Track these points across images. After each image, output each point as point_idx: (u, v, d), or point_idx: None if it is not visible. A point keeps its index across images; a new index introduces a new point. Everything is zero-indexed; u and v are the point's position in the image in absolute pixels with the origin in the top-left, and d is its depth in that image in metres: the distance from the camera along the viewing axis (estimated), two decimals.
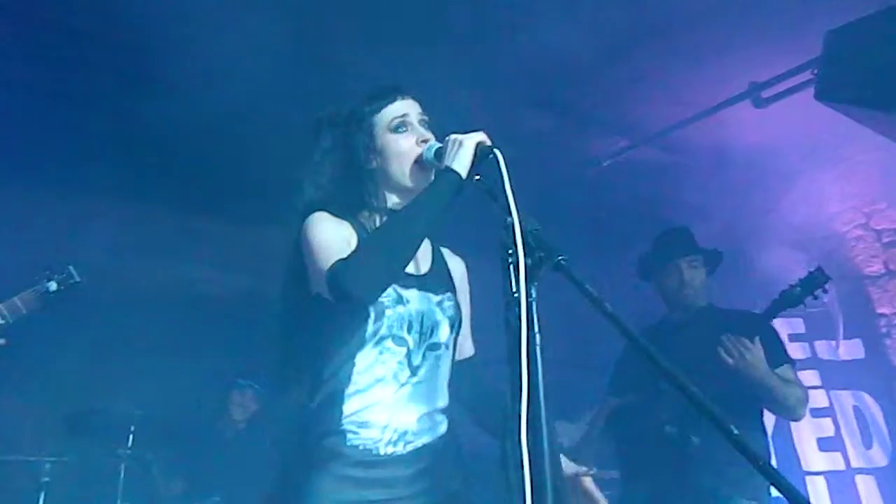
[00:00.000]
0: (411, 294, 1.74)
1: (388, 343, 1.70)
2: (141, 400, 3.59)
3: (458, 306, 1.84)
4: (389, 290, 1.69)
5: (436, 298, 1.79)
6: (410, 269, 1.77)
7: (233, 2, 2.81)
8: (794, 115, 3.58)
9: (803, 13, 3.00)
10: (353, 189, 1.80)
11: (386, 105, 1.82)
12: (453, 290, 1.87)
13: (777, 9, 3.05)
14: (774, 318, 2.73)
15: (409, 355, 1.71)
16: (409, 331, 1.72)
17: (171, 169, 3.84)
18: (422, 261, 1.83)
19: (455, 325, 1.82)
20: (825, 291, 2.76)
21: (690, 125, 3.96)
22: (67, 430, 3.51)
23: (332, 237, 1.69)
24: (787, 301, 2.71)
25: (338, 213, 1.76)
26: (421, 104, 1.86)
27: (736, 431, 0.96)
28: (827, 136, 3.71)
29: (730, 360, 2.60)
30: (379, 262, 1.59)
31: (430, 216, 1.64)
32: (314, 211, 1.74)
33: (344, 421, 1.66)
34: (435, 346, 1.76)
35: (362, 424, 1.67)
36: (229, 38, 2.86)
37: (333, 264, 1.58)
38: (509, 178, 1.40)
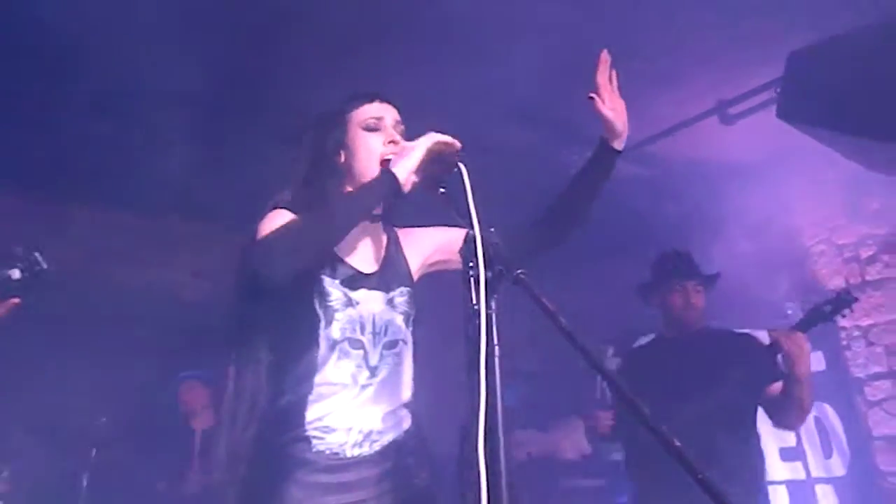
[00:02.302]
0: (360, 295, 1.76)
1: (344, 346, 1.72)
2: (110, 405, 3.56)
3: (412, 297, 1.86)
4: (338, 294, 1.73)
5: (387, 296, 1.81)
6: (359, 268, 1.80)
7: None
8: (759, 131, 3.66)
9: (769, 34, 3.08)
10: (318, 185, 1.82)
11: (362, 104, 1.87)
12: (408, 281, 1.89)
13: (744, 31, 3.12)
14: (804, 332, 2.86)
15: (366, 357, 1.73)
16: (362, 332, 1.74)
17: (147, 174, 3.82)
18: (370, 260, 1.85)
19: (410, 318, 1.84)
20: (851, 311, 2.99)
21: (663, 140, 4.03)
22: (33, 438, 3.47)
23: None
24: (818, 318, 2.93)
25: (299, 212, 1.76)
26: (399, 112, 1.89)
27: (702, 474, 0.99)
28: (792, 152, 3.80)
29: (785, 348, 2.71)
30: (288, 245, 1.60)
31: (355, 212, 1.68)
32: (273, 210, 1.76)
33: (308, 427, 1.67)
34: (392, 344, 1.78)
35: (326, 429, 1.68)
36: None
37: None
38: (473, 192, 1.44)
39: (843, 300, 2.98)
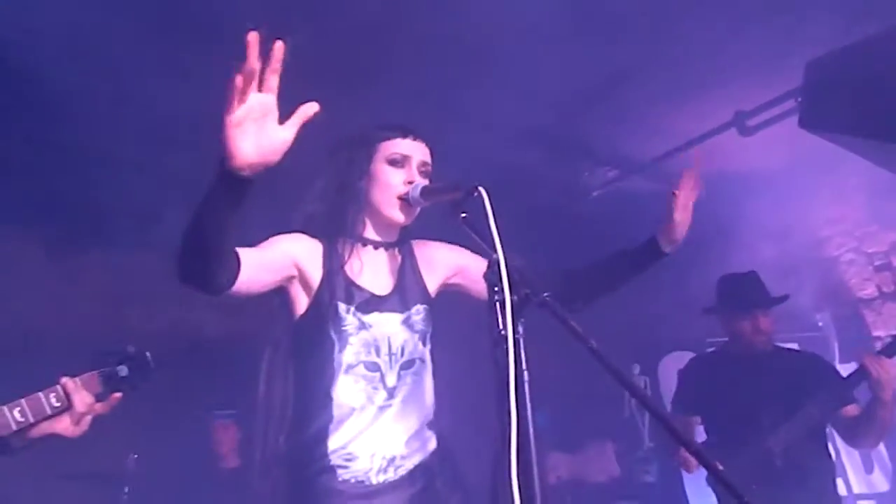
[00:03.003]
0: (373, 318, 1.77)
1: (360, 369, 1.73)
2: (139, 447, 3.56)
3: (428, 314, 1.85)
4: (350, 318, 1.74)
5: (401, 316, 1.81)
6: (373, 291, 1.81)
7: None
8: (780, 141, 3.62)
9: (784, 45, 3.06)
10: (339, 207, 1.85)
11: (395, 138, 1.87)
12: (424, 297, 1.88)
13: (759, 43, 3.10)
14: (891, 357, 2.86)
15: (382, 378, 1.73)
16: (377, 354, 1.74)
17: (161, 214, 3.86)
18: (385, 283, 1.85)
19: (427, 336, 1.83)
20: None
21: (678, 155, 4.00)
22: (64, 479, 3.46)
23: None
24: None
25: (315, 234, 1.82)
26: (432, 154, 1.90)
27: (721, 468, 0.97)
28: (814, 161, 3.75)
29: (872, 374, 2.71)
30: (179, 252, 1.50)
31: (204, 214, 1.43)
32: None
33: (332, 457, 1.68)
34: (409, 364, 1.77)
35: (350, 457, 1.68)
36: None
37: None
38: (494, 216, 1.42)
39: None
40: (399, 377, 1.74)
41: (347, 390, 1.71)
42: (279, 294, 1.79)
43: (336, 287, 1.77)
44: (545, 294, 1.28)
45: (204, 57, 2.91)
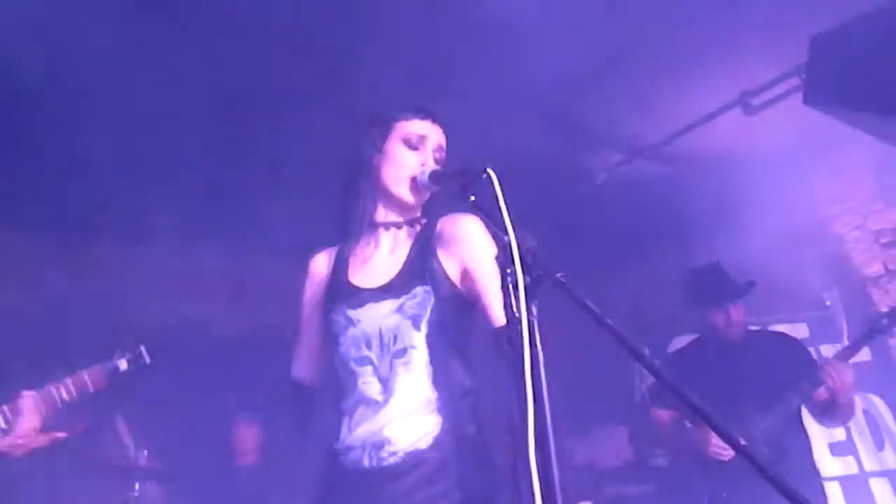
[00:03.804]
0: (362, 313, 1.77)
1: (352, 366, 1.75)
2: (150, 442, 3.56)
3: (427, 296, 1.74)
4: (338, 318, 1.78)
5: (397, 303, 1.75)
6: (367, 283, 1.80)
7: None
8: (784, 120, 3.60)
9: (789, 21, 3.03)
10: (355, 185, 1.88)
11: (412, 118, 1.86)
12: (428, 279, 1.76)
13: (762, 19, 3.07)
14: (863, 347, 3.05)
15: (376, 371, 1.73)
16: (368, 347, 1.74)
17: (177, 208, 3.85)
18: (383, 270, 1.82)
19: (421, 320, 1.73)
20: None
21: (683, 136, 3.99)
22: (76, 477, 3.47)
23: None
24: (876, 331, 3.01)
25: (337, 233, 1.90)
26: (447, 139, 1.89)
27: (744, 442, 0.96)
28: (819, 139, 3.73)
29: (832, 384, 2.86)
30: None
31: None
32: (318, 253, 2.00)
33: (336, 445, 1.75)
34: (401, 353, 1.73)
35: (349, 448, 1.72)
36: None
37: None
38: (503, 197, 1.41)
39: None
40: (391, 367, 1.72)
41: (346, 385, 1.77)
42: None
43: (331, 290, 1.87)
44: (559, 274, 1.26)
45: (196, 46, 2.92)
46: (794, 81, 3.35)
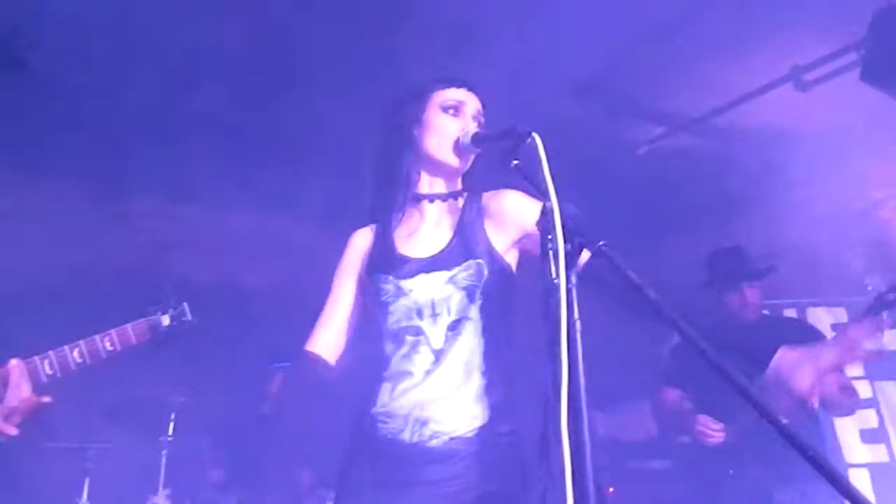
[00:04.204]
0: (413, 283, 1.75)
1: (405, 336, 1.73)
2: (181, 388, 3.65)
3: (480, 270, 1.75)
4: (390, 287, 1.75)
5: (447, 274, 1.75)
6: (416, 254, 1.78)
7: None
8: (838, 98, 3.47)
9: None
10: (394, 155, 1.86)
11: (448, 87, 1.85)
12: (480, 252, 1.77)
13: None
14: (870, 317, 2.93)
15: (428, 341, 1.71)
16: (420, 317, 1.72)
17: (209, 163, 3.88)
18: (433, 241, 1.81)
19: (476, 292, 1.74)
20: None
21: (730, 111, 3.87)
22: (109, 418, 3.59)
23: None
24: (882, 305, 2.90)
25: (377, 209, 1.89)
26: (484, 107, 1.87)
27: (785, 421, 0.93)
28: (873, 119, 3.60)
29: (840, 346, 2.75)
30: None
31: None
32: (361, 227, 1.95)
33: (376, 412, 1.72)
34: (455, 325, 1.72)
35: (388, 415, 1.70)
36: None
37: None
38: (547, 162, 1.38)
39: None
40: (445, 339, 1.71)
41: (395, 356, 1.74)
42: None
43: (377, 261, 1.84)
44: (601, 242, 1.24)
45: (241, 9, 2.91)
46: (851, 57, 3.22)
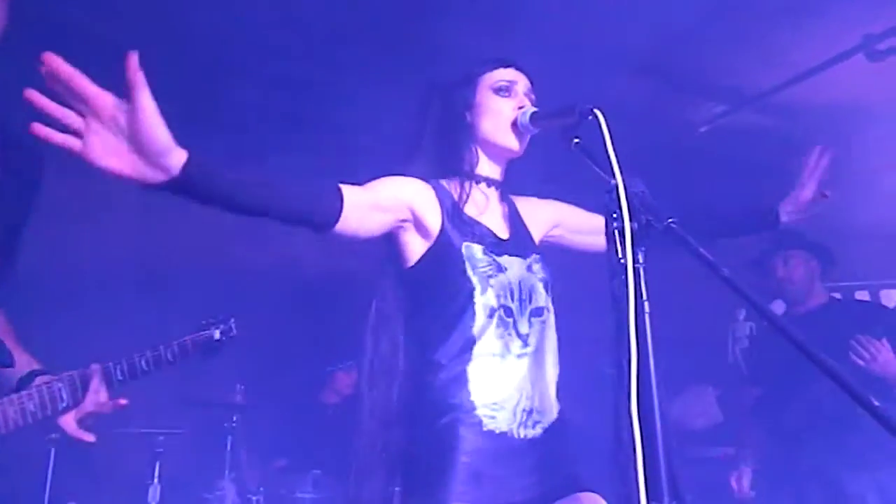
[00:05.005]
0: (505, 261, 1.71)
1: (500, 313, 1.66)
2: (246, 378, 3.74)
3: (545, 264, 1.81)
4: (487, 259, 1.67)
5: (525, 261, 1.75)
6: (497, 233, 1.76)
7: None
8: None
9: None
10: (446, 147, 1.79)
11: (496, 68, 1.82)
12: (536, 248, 1.84)
13: None
14: None
15: (515, 325, 1.67)
16: (511, 299, 1.68)
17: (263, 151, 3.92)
18: (503, 226, 1.80)
19: (549, 285, 1.77)
20: None
21: (795, 86, 3.72)
22: (179, 405, 3.69)
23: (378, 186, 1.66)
24: None
25: (421, 175, 1.74)
26: (532, 84, 1.84)
27: (877, 403, 0.88)
28: None
29: (860, 363, 2.72)
30: None
31: None
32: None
33: (476, 404, 1.61)
34: (538, 312, 1.72)
35: (495, 408, 1.61)
36: None
37: None
38: (610, 139, 1.34)
39: None
40: (530, 324, 1.69)
41: (489, 336, 1.64)
42: (388, 241, 1.71)
43: (463, 227, 1.70)
44: (670, 219, 1.20)
45: None
46: None
